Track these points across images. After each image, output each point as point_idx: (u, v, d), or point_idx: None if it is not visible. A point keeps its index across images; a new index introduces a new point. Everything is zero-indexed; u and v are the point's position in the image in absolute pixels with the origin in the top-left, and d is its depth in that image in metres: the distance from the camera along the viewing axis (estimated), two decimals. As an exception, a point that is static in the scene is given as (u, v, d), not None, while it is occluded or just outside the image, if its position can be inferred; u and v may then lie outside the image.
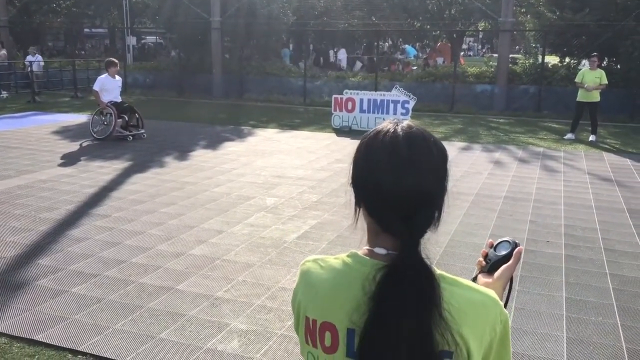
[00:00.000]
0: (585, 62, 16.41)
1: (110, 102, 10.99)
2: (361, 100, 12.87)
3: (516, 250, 1.32)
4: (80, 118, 13.96)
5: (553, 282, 4.69)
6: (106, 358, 3.44)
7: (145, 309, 4.06)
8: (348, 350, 1.09)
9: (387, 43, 33.17)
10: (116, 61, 11.41)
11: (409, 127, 1.12)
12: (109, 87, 11.06)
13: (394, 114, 12.42)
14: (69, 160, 9.11)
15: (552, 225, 6.20)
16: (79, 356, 3.46)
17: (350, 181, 1.16)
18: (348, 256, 1.16)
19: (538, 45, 17.80)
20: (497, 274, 1.31)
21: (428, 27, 26.88)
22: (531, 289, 4.53)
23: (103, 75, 11.18)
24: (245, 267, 4.86)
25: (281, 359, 3.46)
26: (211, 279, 4.61)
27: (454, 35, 25.91)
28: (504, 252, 1.32)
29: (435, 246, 5.29)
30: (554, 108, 15.60)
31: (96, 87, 11.03)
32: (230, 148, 10.51)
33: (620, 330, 3.90)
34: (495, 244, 1.36)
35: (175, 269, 4.80)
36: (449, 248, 5.39)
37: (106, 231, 5.71)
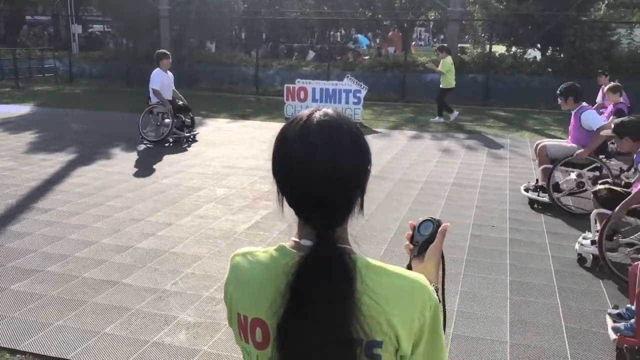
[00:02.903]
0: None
1: (158, 102, 9.69)
2: (313, 90, 12.85)
3: (440, 228, 1.33)
4: (22, 109, 13.42)
5: (498, 265, 4.82)
6: (48, 356, 3.33)
7: (90, 304, 3.95)
8: None
9: (339, 33, 33.21)
10: (168, 53, 9.95)
11: (324, 113, 1.11)
12: (165, 83, 9.69)
13: (346, 103, 12.45)
14: (9, 153, 8.76)
15: (498, 210, 6.36)
16: (18, 355, 3.34)
17: (272, 172, 1.14)
18: (275, 249, 1.15)
19: (486, 34, 18.18)
20: (427, 255, 1.32)
21: (379, 16, 27.01)
22: (477, 273, 4.64)
23: (156, 70, 9.66)
24: (194, 260, 4.79)
25: (229, 350, 3.44)
26: (158, 272, 4.53)
27: (405, 25, 26.15)
28: (429, 232, 1.33)
29: (385, 233, 5.34)
30: (500, 96, 15.98)
31: (156, 85, 9.55)
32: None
33: (560, 310, 4.05)
34: (417, 225, 1.37)
35: (121, 262, 4.69)
36: (398, 235, 5.44)
37: (49, 225, 5.52)
